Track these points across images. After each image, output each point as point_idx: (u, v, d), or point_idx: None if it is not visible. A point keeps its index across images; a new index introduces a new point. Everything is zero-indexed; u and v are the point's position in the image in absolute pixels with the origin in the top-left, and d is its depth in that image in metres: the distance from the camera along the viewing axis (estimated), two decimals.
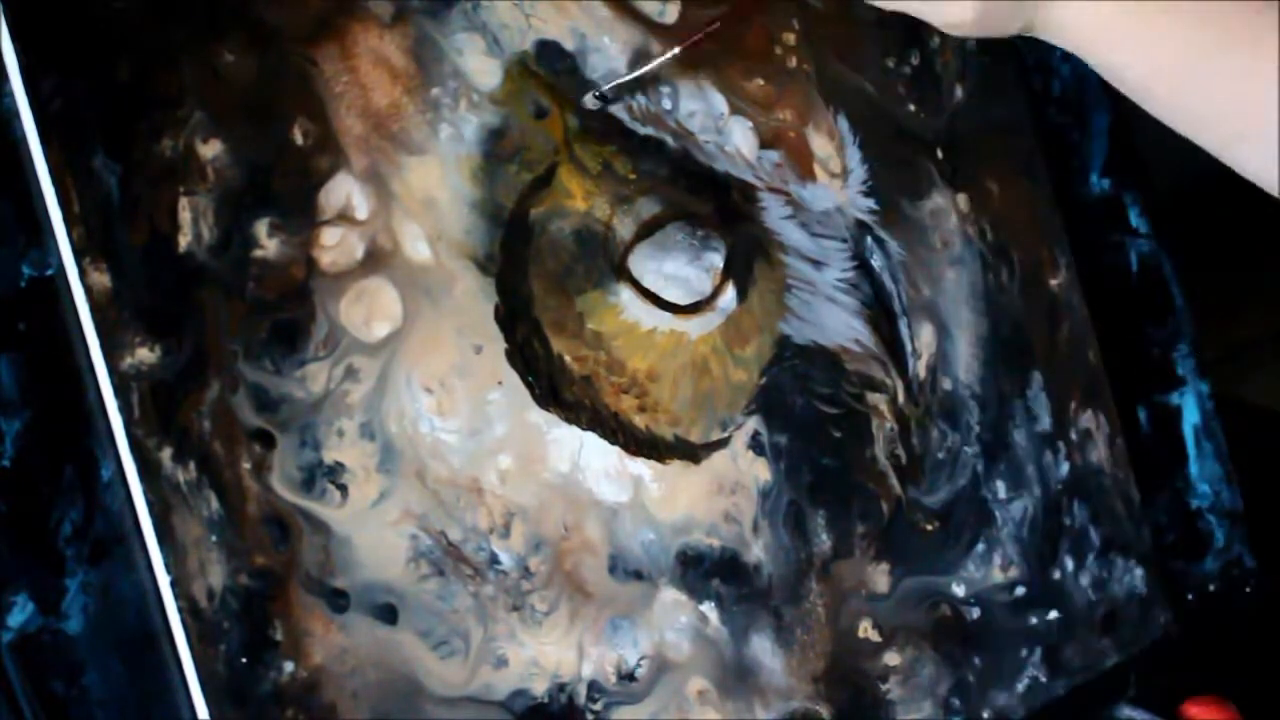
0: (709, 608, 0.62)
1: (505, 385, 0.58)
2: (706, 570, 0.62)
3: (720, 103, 0.64)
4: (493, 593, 0.57)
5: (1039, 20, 0.58)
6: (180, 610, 0.51)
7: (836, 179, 0.68)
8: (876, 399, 0.67)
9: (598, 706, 0.59)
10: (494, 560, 0.57)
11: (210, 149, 0.53)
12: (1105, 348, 0.76)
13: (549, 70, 0.60)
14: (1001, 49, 0.73)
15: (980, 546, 0.69)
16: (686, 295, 0.63)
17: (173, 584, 0.51)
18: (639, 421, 0.61)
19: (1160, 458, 0.79)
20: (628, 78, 0.61)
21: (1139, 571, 0.75)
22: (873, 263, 0.68)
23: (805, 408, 0.65)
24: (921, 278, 0.69)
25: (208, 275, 0.53)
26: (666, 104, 0.63)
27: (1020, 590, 0.70)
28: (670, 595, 0.61)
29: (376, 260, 0.56)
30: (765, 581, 0.63)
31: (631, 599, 0.60)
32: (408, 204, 0.57)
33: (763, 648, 0.63)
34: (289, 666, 0.53)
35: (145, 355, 0.51)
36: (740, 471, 0.63)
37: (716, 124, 0.64)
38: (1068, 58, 0.77)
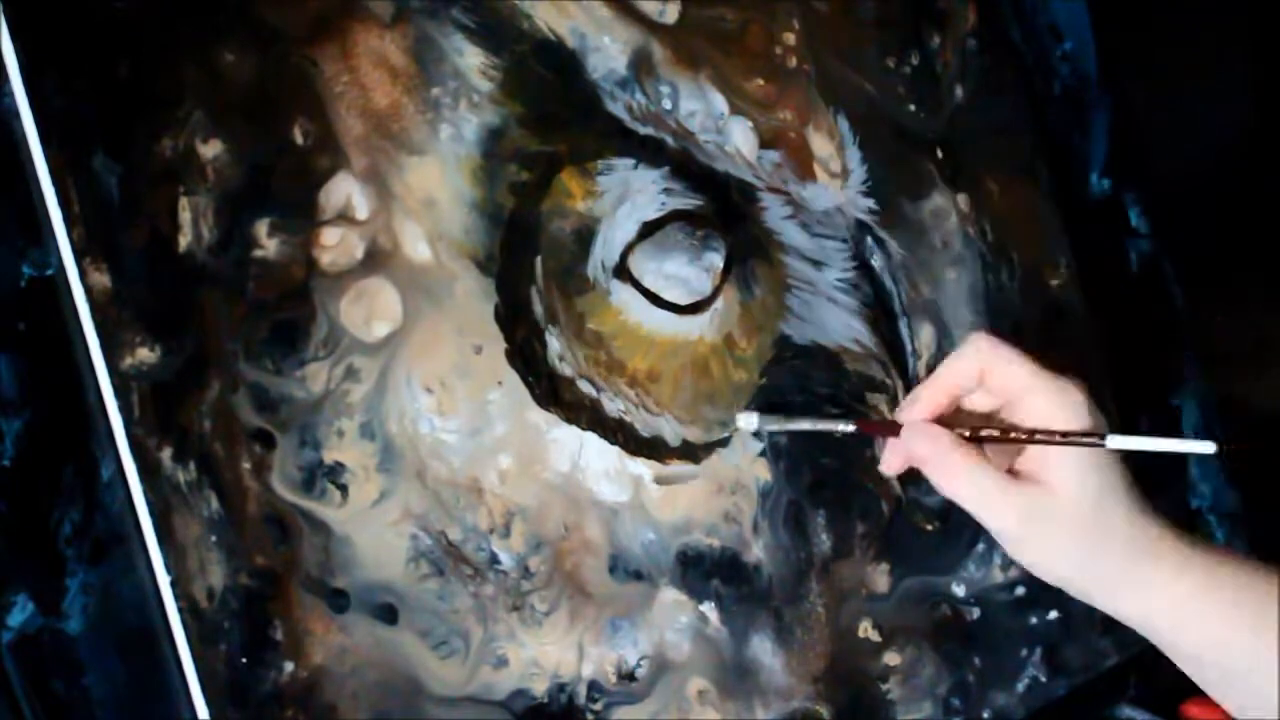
0: (709, 608, 0.62)
1: (505, 385, 0.58)
2: (706, 570, 0.62)
3: (720, 103, 0.64)
4: (493, 593, 0.57)
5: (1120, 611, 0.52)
6: (180, 610, 0.51)
7: (836, 179, 0.68)
8: (876, 399, 0.67)
9: (598, 706, 0.59)
10: (494, 560, 0.57)
11: (210, 149, 0.53)
12: (1105, 348, 0.76)
13: (549, 70, 0.60)
14: (1001, 49, 0.73)
15: (980, 546, 0.69)
16: (686, 295, 0.63)
17: (173, 584, 0.51)
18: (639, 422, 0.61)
19: (1160, 458, 0.79)
20: (791, 427, 0.57)
21: None
22: (873, 263, 0.68)
23: (805, 408, 0.65)
24: (921, 278, 0.69)
25: (208, 275, 0.53)
26: (666, 104, 0.63)
27: (1020, 590, 0.70)
28: (670, 595, 0.61)
29: (376, 260, 0.56)
30: (765, 581, 0.63)
31: (631, 599, 0.60)
32: (408, 204, 0.57)
33: (763, 648, 0.63)
34: (289, 666, 0.53)
35: (145, 355, 0.51)
36: (740, 471, 0.63)
37: (716, 124, 0.64)
38: (1067, 58, 0.77)
